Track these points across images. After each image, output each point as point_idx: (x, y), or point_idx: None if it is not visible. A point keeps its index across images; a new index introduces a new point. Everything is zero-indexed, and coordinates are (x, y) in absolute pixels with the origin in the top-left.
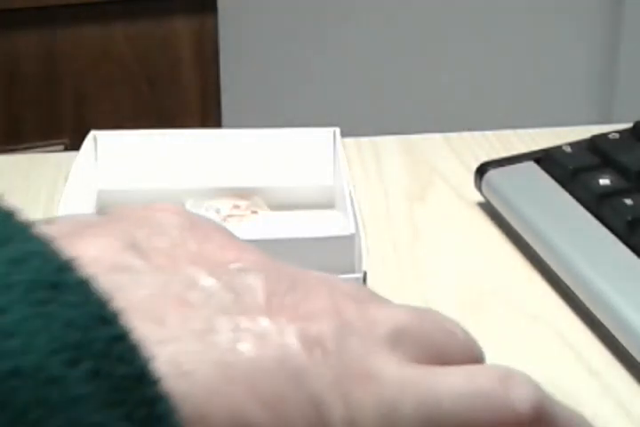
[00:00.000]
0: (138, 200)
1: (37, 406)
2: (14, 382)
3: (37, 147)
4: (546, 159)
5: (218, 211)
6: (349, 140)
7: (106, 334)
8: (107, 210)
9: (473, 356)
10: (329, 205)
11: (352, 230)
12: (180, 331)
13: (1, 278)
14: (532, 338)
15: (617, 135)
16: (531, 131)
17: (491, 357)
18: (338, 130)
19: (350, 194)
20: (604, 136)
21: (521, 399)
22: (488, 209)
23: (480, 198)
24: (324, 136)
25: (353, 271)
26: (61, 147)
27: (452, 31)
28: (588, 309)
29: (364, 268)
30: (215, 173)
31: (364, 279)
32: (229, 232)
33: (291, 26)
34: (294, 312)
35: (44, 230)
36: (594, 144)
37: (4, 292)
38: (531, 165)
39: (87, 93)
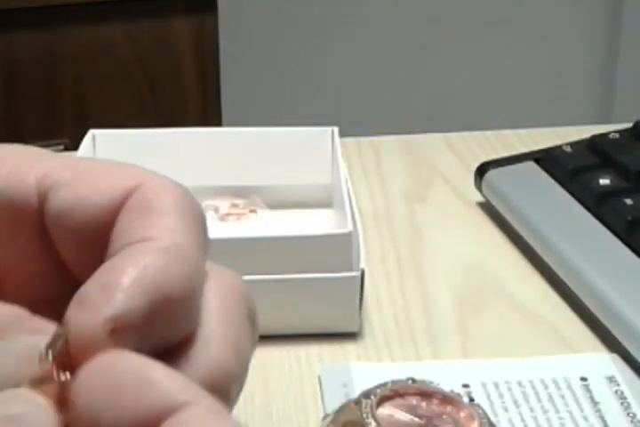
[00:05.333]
0: None
1: None
2: None
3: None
4: (546, 159)
5: (216, 210)
6: (349, 140)
7: None
8: None
9: None
10: (327, 203)
11: (350, 228)
12: None
13: None
14: (531, 337)
15: (617, 135)
16: (531, 131)
17: (491, 355)
18: (336, 129)
19: (348, 192)
20: (604, 136)
21: None
22: (488, 209)
23: (480, 198)
24: (322, 135)
25: (351, 270)
26: (61, 147)
27: (452, 31)
28: (587, 308)
29: (362, 266)
30: (213, 171)
31: (362, 277)
32: None
33: (291, 26)
34: None
35: None
36: (594, 144)
37: None
38: (531, 165)
39: (87, 93)
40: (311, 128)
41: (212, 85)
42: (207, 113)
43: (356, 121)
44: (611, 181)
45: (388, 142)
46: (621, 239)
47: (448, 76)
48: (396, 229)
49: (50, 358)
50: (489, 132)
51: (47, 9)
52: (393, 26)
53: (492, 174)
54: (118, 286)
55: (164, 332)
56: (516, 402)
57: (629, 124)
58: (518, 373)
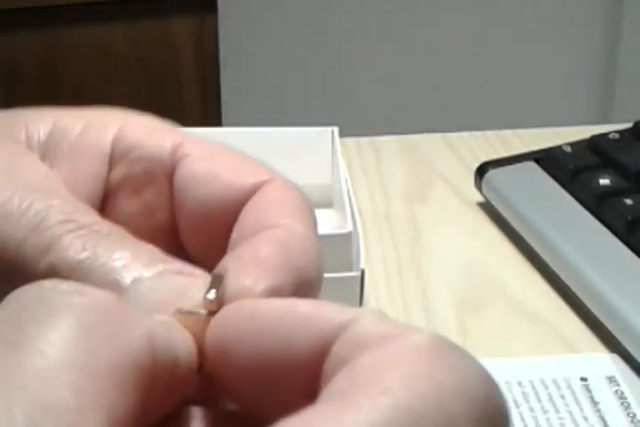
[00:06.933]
0: None
1: None
2: None
3: None
4: (546, 159)
5: None
6: (349, 140)
7: None
8: None
9: None
10: (327, 203)
11: (350, 228)
12: None
13: None
14: (531, 337)
15: (617, 135)
16: (531, 131)
17: (491, 355)
18: (336, 129)
19: (348, 192)
20: (604, 136)
21: None
22: (488, 209)
23: (480, 198)
24: (322, 135)
25: (351, 270)
26: None
27: (452, 31)
28: (588, 308)
29: (362, 266)
30: None
31: (362, 277)
32: None
33: (291, 26)
34: None
35: None
36: (594, 144)
37: None
38: (531, 165)
39: (87, 93)
40: (311, 128)
41: (212, 85)
42: (207, 113)
43: (356, 121)
44: (611, 181)
45: (388, 142)
46: (621, 239)
47: (448, 76)
48: (396, 229)
49: (211, 296)
50: (489, 132)
51: (47, 9)
52: (393, 26)
53: (492, 174)
54: (270, 263)
55: None
56: (516, 402)
57: (629, 125)
58: (518, 373)
